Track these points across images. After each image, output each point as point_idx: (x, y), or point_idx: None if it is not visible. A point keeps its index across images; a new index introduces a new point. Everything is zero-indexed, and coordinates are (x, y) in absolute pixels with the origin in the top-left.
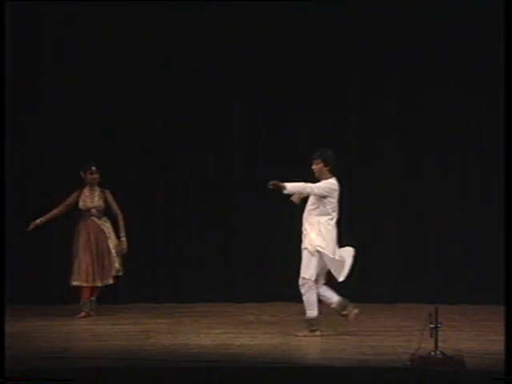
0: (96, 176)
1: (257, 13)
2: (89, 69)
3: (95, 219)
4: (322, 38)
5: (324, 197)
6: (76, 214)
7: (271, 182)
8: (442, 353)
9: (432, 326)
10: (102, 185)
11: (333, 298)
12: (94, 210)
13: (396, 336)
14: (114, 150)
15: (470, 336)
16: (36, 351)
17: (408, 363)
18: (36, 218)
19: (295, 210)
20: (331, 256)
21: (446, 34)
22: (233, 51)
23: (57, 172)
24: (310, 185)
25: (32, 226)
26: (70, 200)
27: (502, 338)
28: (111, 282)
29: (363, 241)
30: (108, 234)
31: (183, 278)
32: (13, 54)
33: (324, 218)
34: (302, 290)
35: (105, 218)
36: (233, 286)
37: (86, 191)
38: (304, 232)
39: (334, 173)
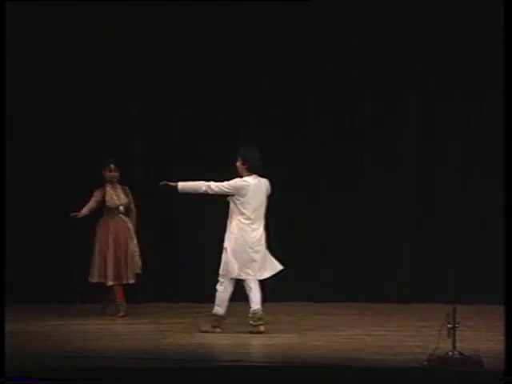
0: (115, 174)
1: (257, 13)
2: (89, 69)
3: (122, 217)
4: (322, 38)
5: (232, 195)
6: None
7: (161, 183)
8: (460, 353)
9: (450, 325)
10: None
11: (253, 303)
12: (121, 208)
13: (413, 336)
14: (116, 150)
15: (487, 336)
16: (53, 350)
17: (425, 363)
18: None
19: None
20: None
21: (445, 34)
22: (233, 51)
23: (57, 172)
24: (210, 183)
25: (76, 215)
26: (99, 196)
27: None
28: (134, 281)
29: (380, 240)
30: (132, 233)
31: (200, 278)
32: (13, 54)
33: (236, 218)
34: (217, 286)
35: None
36: None
37: (109, 189)
38: None
39: (252, 171)
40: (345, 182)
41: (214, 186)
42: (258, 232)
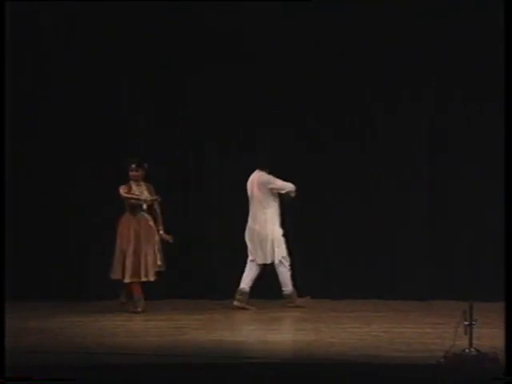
0: (136, 173)
1: (257, 13)
2: (89, 69)
3: (145, 214)
4: (322, 38)
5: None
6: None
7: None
8: (477, 350)
9: (466, 323)
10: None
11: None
12: (145, 206)
13: (430, 333)
14: (117, 149)
15: (504, 333)
16: (69, 347)
17: (442, 360)
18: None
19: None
20: None
21: (446, 33)
22: (232, 51)
23: (57, 172)
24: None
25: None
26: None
27: None
28: (154, 278)
29: (396, 238)
30: (154, 230)
31: (216, 275)
32: (13, 54)
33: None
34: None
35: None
36: (265, 282)
37: (134, 187)
38: None
39: None
40: (352, 181)
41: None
42: None
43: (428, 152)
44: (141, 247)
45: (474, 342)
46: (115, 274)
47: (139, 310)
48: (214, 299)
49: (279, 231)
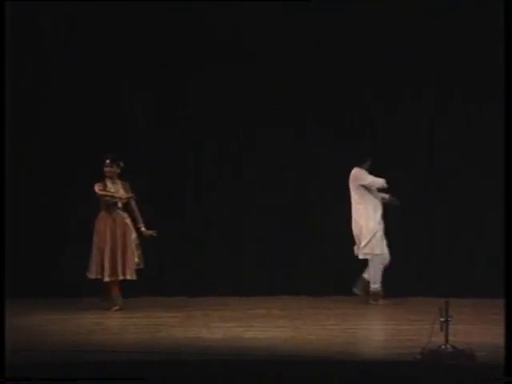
0: (111, 169)
1: (257, 13)
2: (89, 69)
3: (120, 212)
4: (322, 38)
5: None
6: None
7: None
8: (453, 346)
9: (442, 319)
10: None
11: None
12: (120, 204)
13: (406, 330)
14: (117, 149)
15: (480, 330)
16: (45, 345)
17: (418, 357)
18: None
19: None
20: None
21: (446, 33)
22: (232, 51)
23: (57, 172)
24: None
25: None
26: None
27: None
28: (134, 277)
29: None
30: (130, 228)
31: (194, 272)
32: (13, 54)
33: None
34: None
35: (126, 212)
36: (243, 279)
37: (109, 184)
38: None
39: None
40: (333, 180)
41: None
42: None
43: (428, 152)
44: (117, 245)
45: (451, 338)
46: (93, 274)
47: (117, 308)
48: (192, 297)
49: (370, 227)
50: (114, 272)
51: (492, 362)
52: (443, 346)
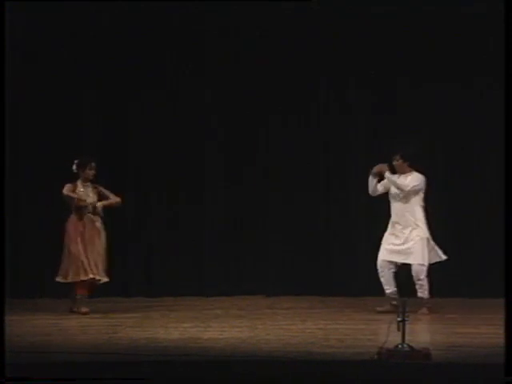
0: (94, 173)
1: (257, 13)
2: (89, 69)
3: (90, 215)
4: (322, 38)
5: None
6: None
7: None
8: (409, 346)
9: (399, 319)
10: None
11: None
12: (90, 207)
13: (364, 329)
14: (114, 148)
15: (438, 329)
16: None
17: (375, 356)
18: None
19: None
20: None
21: (446, 33)
22: (232, 51)
23: (57, 172)
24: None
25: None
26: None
27: (469, 331)
28: (104, 278)
29: (331, 235)
30: (100, 232)
31: (152, 272)
32: (13, 54)
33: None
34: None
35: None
36: (201, 279)
37: (80, 186)
38: None
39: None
40: (352, 181)
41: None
42: None
43: (428, 152)
44: (86, 248)
45: (407, 338)
46: (61, 277)
47: (83, 310)
48: (150, 297)
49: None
50: (77, 273)
51: (492, 362)
52: (400, 346)
